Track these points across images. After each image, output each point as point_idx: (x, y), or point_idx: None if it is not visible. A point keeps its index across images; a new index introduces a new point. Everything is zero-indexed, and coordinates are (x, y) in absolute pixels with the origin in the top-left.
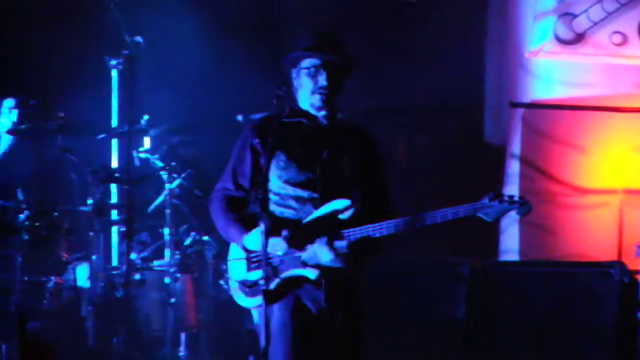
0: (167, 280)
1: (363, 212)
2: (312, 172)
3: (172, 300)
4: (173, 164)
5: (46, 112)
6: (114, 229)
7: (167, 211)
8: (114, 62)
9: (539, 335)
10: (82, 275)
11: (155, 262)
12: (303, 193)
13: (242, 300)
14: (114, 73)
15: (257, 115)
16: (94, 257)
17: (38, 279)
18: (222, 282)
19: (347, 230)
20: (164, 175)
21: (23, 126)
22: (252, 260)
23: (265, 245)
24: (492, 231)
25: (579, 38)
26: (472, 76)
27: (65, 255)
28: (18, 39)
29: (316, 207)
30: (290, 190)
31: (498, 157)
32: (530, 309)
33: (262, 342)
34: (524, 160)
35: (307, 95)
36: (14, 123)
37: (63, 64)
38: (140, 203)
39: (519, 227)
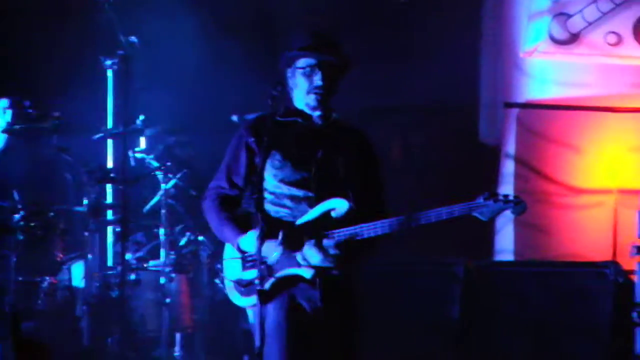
0: (162, 280)
1: (358, 212)
2: (307, 171)
3: (167, 300)
4: (168, 164)
5: (41, 112)
6: (109, 229)
7: (163, 211)
8: (109, 62)
9: (534, 335)
10: (77, 275)
11: (151, 262)
12: (298, 192)
13: (238, 299)
14: (109, 73)
15: (252, 115)
16: (89, 257)
17: (33, 279)
18: (217, 280)
19: (334, 231)
20: (160, 175)
21: (17, 126)
22: (247, 259)
23: (260, 248)
24: (486, 231)
25: (573, 38)
26: (466, 76)
27: (60, 255)
28: (13, 39)
29: (311, 206)
30: (286, 189)
31: (493, 157)
32: (525, 309)
33: (257, 342)
34: (519, 160)
35: (302, 95)
36: (8, 123)
37: (58, 64)
38: (135, 203)
39: (514, 227)
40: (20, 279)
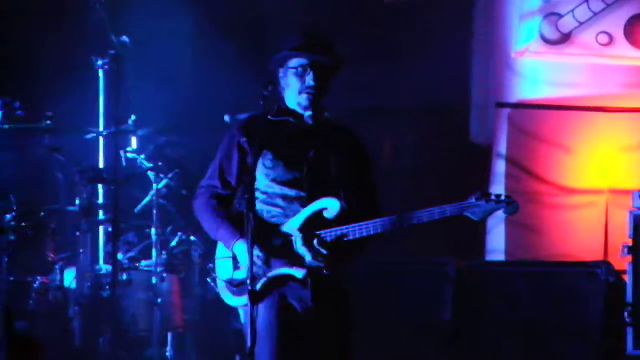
0: (153, 280)
1: (350, 211)
2: (299, 170)
3: (159, 300)
4: (160, 164)
5: (31, 113)
6: (101, 229)
7: (154, 211)
8: (100, 62)
9: (525, 335)
10: (68, 275)
11: (142, 262)
12: (290, 192)
13: (229, 299)
14: (101, 73)
15: (244, 115)
16: (80, 257)
17: (24, 279)
18: (209, 280)
19: (325, 230)
20: (151, 175)
21: (6, 126)
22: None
23: (252, 252)
24: (478, 231)
25: (564, 38)
26: (458, 76)
27: (52, 255)
28: (4, 40)
29: (303, 205)
30: (278, 188)
31: (484, 157)
32: (516, 309)
33: (249, 342)
34: (510, 160)
35: (294, 95)
36: None
37: (50, 63)
38: (126, 203)
39: (505, 227)
40: (11, 278)
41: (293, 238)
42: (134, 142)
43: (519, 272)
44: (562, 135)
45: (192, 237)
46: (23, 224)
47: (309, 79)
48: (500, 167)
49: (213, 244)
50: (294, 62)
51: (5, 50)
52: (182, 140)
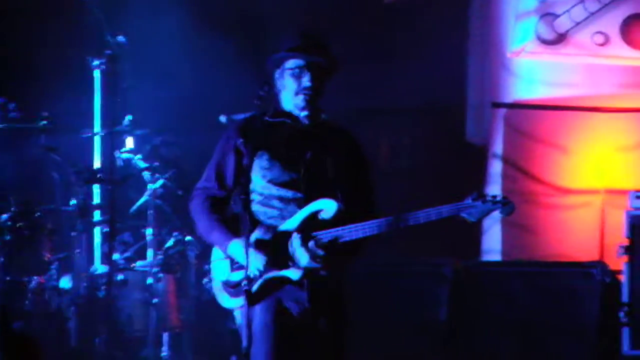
0: (149, 280)
1: (347, 212)
2: (296, 172)
3: (155, 300)
4: (156, 164)
5: (27, 113)
6: (97, 229)
7: (150, 211)
8: (96, 62)
9: (521, 335)
10: (64, 275)
11: (138, 263)
12: (287, 193)
13: (226, 301)
14: (97, 73)
15: (240, 116)
16: (76, 257)
17: (20, 279)
18: (205, 280)
19: (322, 232)
20: (147, 175)
21: (2, 126)
22: (235, 260)
23: (248, 254)
24: (474, 231)
25: (560, 38)
26: (454, 76)
27: (48, 255)
28: (1, 40)
29: (300, 207)
30: (274, 190)
31: (480, 158)
32: (513, 309)
33: (244, 343)
34: (506, 161)
35: (290, 96)
36: None
37: (46, 64)
38: (122, 203)
39: (501, 227)
40: (8, 278)
41: (290, 239)
42: (129, 142)
43: (515, 272)
44: (558, 135)
45: (188, 238)
46: (19, 224)
47: (306, 80)
48: (496, 167)
49: (209, 245)
50: (290, 63)
51: (2, 51)
52: (178, 140)
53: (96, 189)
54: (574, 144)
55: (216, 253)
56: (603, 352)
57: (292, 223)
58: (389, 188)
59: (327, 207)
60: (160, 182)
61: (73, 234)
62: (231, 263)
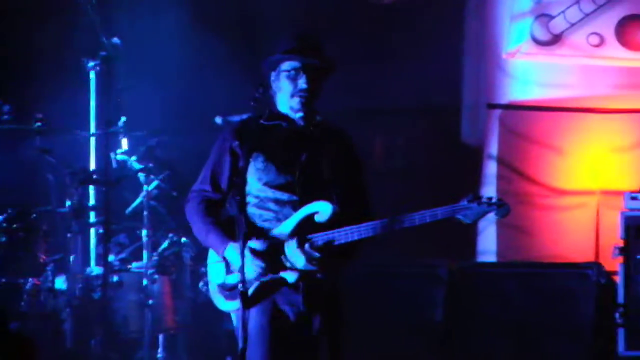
0: (145, 281)
1: (342, 215)
2: (291, 174)
3: (150, 301)
4: (150, 165)
5: (22, 114)
6: (92, 231)
7: (145, 213)
8: (91, 63)
9: (516, 336)
10: (60, 277)
11: (133, 264)
12: (282, 195)
13: (222, 304)
14: (92, 75)
15: (236, 118)
16: (71, 258)
17: (16, 281)
18: (201, 284)
19: (317, 234)
20: (142, 176)
21: None
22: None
23: (243, 256)
24: (469, 232)
25: (555, 39)
26: (449, 77)
27: (43, 256)
28: None
29: (295, 209)
30: (270, 192)
31: (475, 159)
32: (508, 310)
33: (240, 344)
34: (502, 162)
35: (286, 98)
36: None
37: (40, 65)
38: (117, 205)
39: (497, 228)
40: (3, 280)
41: (285, 242)
42: (124, 143)
43: (511, 273)
44: (553, 136)
45: (183, 239)
46: (14, 225)
47: (302, 82)
48: (491, 168)
49: (204, 246)
50: (286, 65)
51: None
52: (173, 141)
53: (91, 190)
54: (569, 145)
55: (212, 256)
56: (598, 353)
57: (287, 226)
58: (384, 188)
59: (322, 209)
60: (154, 183)
61: (68, 235)
62: (227, 266)
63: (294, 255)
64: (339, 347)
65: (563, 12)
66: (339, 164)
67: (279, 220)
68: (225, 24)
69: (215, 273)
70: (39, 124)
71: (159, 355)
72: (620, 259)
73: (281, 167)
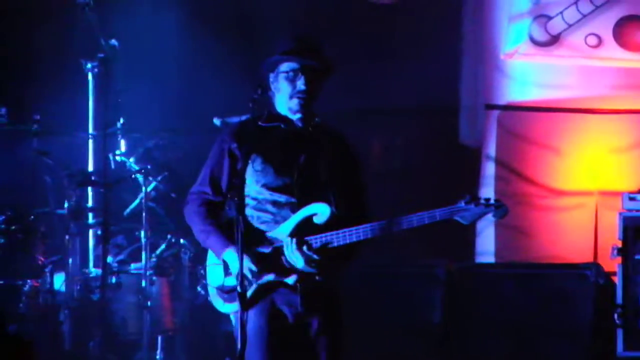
0: (143, 283)
1: (340, 216)
2: (289, 176)
3: (149, 303)
4: (149, 166)
5: (20, 116)
6: (90, 232)
7: (143, 214)
8: (89, 65)
9: (514, 337)
10: (58, 278)
11: (132, 265)
12: (280, 197)
13: (221, 306)
14: (90, 76)
15: (234, 119)
16: (70, 260)
17: (14, 282)
18: (199, 288)
19: (315, 236)
20: (140, 178)
21: None
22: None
23: (242, 260)
24: (467, 233)
25: (554, 40)
26: (447, 78)
27: (42, 258)
28: None
29: (294, 211)
30: (268, 194)
31: (473, 159)
32: (506, 311)
33: (239, 346)
34: (500, 162)
35: (285, 99)
36: None
37: (38, 67)
38: (116, 206)
39: (495, 229)
40: (2, 282)
41: (284, 244)
42: (122, 145)
43: (509, 274)
44: (551, 137)
45: (181, 240)
46: (12, 227)
47: (300, 84)
48: (489, 169)
49: (203, 248)
50: (285, 66)
51: None
52: (171, 142)
53: (89, 191)
54: (568, 146)
55: (211, 257)
56: (597, 354)
57: (285, 228)
58: (382, 189)
59: (320, 211)
60: (153, 184)
61: (67, 237)
62: (225, 268)
63: (293, 256)
64: (337, 348)
65: (561, 13)
66: (337, 166)
67: (277, 222)
68: (223, 24)
69: (214, 275)
70: (36, 125)
71: (157, 357)
72: (619, 259)
73: (279, 169)
